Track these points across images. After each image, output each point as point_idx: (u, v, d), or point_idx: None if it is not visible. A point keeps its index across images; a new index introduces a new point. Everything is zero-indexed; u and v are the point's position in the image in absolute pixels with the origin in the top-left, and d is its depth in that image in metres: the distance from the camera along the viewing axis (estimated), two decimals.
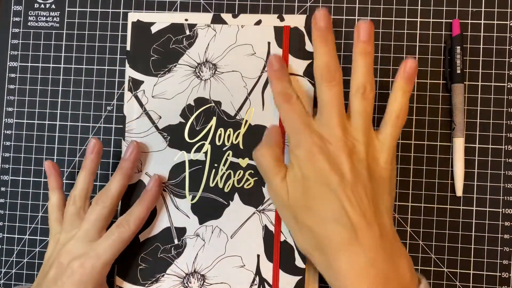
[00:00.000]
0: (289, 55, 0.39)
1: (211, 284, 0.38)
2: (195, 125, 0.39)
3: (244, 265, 0.38)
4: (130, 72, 0.39)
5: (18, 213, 0.44)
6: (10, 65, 0.44)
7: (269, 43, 0.39)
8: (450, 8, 0.42)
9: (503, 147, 0.41)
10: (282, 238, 0.38)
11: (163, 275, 0.38)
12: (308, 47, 0.39)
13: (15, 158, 0.44)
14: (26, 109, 0.44)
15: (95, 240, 0.36)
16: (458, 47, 0.41)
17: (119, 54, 0.43)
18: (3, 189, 0.44)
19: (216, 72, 0.39)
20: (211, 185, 0.38)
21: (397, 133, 0.34)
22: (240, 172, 0.38)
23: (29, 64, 0.44)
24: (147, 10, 0.43)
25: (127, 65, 0.40)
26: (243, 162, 0.38)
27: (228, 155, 0.39)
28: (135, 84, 0.39)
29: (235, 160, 0.38)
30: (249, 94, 0.39)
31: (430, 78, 0.42)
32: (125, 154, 0.38)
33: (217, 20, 0.40)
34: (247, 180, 0.38)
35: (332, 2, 0.42)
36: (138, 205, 0.37)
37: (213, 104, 0.39)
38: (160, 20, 0.40)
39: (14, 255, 0.43)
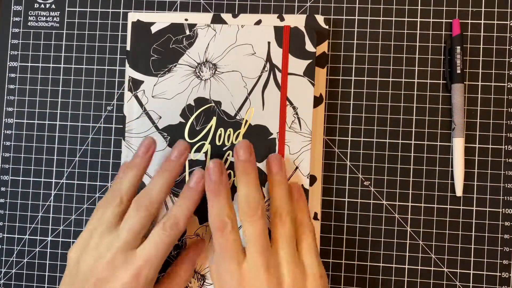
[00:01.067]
0: (289, 55, 0.39)
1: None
2: (195, 125, 0.39)
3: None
4: (130, 72, 0.39)
5: (18, 213, 0.44)
6: (10, 65, 0.44)
7: (269, 43, 0.39)
8: (450, 8, 0.42)
9: (503, 147, 0.41)
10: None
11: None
12: (308, 47, 0.39)
13: (15, 158, 0.44)
14: (26, 109, 0.44)
15: (136, 247, 0.33)
16: (458, 47, 0.41)
17: (119, 54, 0.44)
18: (3, 189, 0.44)
19: (216, 72, 0.39)
20: None
21: (313, 241, 0.35)
22: None
23: (29, 64, 0.44)
24: (147, 10, 0.43)
25: (127, 65, 0.40)
26: None
27: (228, 155, 0.39)
28: (135, 84, 0.39)
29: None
30: (249, 94, 0.39)
31: (430, 78, 0.42)
32: (172, 154, 0.36)
33: (217, 20, 0.40)
34: None
35: (332, 2, 0.42)
36: (183, 203, 0.35)
37: (213, 104, 0.39)
38: (160, 20, 0.40)
39: (14, 255, 0.43)
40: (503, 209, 0.41)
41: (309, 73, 0.39)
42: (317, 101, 0.40)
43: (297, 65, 0.39)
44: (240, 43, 0.39)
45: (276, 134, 0.39)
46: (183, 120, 0.39)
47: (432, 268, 0.41)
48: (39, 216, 0.43)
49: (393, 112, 0.42)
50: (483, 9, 0.42)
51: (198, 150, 0.39)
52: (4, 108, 0.44)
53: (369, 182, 0.41)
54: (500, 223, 0.41)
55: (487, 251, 0.41)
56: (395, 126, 0.42)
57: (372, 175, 0.41)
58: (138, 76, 0.39)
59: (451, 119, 0.41)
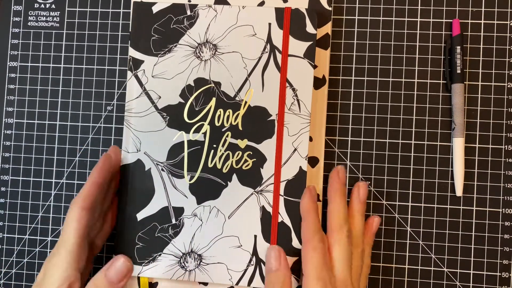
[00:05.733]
0: (289, 36, 0.39)
1: (208, 264, 0.38)
2: (194, 105, 0.39)
3: (241, 245, 0.38)
4: (131, 52, 0.39)
5: (18, 213, 0.44)
6: (10, 65, 0.44)
7: (270, 24, 0.39)
8: (450, 8, 0.42)
9: (503, 147, 0.41)
10: (280, 219, 0.38)
11: (160, 254, 0.38)
12: (309, 28, 0.38)
13: (15, 158, 0.44)
14: (26, 109, 0.44)
15: None
16: (458, 47, 0.41)
17: (119, 54, 0.43)
18: (3, 189, 0.44)
19: (217, 52, 0.39)
20: (210, 165, 0.38)
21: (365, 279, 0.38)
22: (238, 153, 0.38)
23: (29, 64, 0.44)
24: None
25: (129, 44, 0.40)
26: (242, 143, 0.38)
27: (227, 136, 0.38)
28: (136, 64, 0.39)
29: (234, 141, 0.38)
30: (249, 75, 0.39)
31: (430, 78, 0.42)
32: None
33: (220, 1, 0.40)
34: (246, 161, 0.38)
35: (333, 2, 0.42)
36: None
37: (213, 85, 0.39)
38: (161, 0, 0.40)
39: (14, 255, 0.43)
40: (503, 209, 0.41)
41: (309, 55, 0.38)
42: (320, 82, 0.40)
43: (298, 46, 0.38)
44: (240, 24, 0.39)
45: (275, 115, 0.38)
46: (182, 101, 0.39)
47: (432, 268, 0.41)
48: (39, 216, 0.43)
49: (393, 112, 0.42)
50: (483, 9, 0.42)
51: (197, 130, 0.39)
52: (4, 108, 0.44)
53: (369, 182, 0.41)
54: (500, 223, 0.41)
55: (487, 251, 0.41)
56: (395, 126, 0.42)
57: (372, 175, 0.41)
58: (138, 55, 0.39)
59: (451, 119, 0.41)
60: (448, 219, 0.41)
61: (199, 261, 0.38)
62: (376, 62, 0.42)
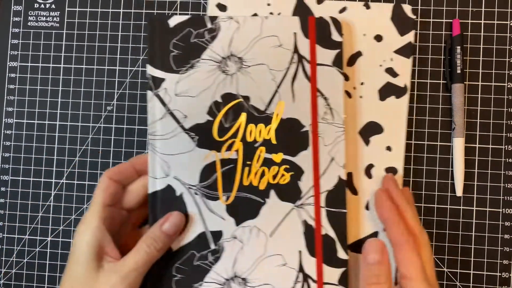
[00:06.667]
0: (316, 45, 0.38)
1: (254, 286, 0.36)
2: (224, 122, 0.37)
3: (286, 263, 0.36)
4: (149, 70, 0.37)
5: (18, 213, 0.44)
6: (10, 65, 0.44)
7: (295, 33, 0.38)
8: (450, 8, 0.42)
9: (503, 147, 0.41)
10: (323, 232, 0.37)
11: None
12: (335, 36, 0.38)
13: (15, 158, 0.44)
14: (26, 109, 0.44)
15: None
16: (458, 47, 0.41)
17: (119, 54, 0.43)
18: (3, 189, 0.44)
19: (242, 66, 0.38)
20: (245, 183, 0.37)
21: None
22: (274, 168, 0.37)
23: (29, 64, 0.44)
24: (147, 9, 0.43)
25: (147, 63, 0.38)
26: (277, 157, 0.37)
27: (261, 152, 0.37)
28: (156, 82, 0.37)
29: (268, 156, 0.37)
30: (278, 86, 0.37)
31: (430, 78, 0.42)
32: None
33: (301, 7, 0.40)
34: (283, 175, 0.37)
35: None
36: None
37: (242, 99, 0.37)
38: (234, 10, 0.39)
39: (14, 255, 0.43)
40: (503, 209, 0.41)
41: (337, 62, 0.37)
42: (401, 91, 0.39)
43: (325, 55, 0.38)
44: (265, 35, 0.38)
45: (309, 126, 0.37)
46: (210, 118, 0.37)
47: None
48: (39, 216, 0.43)
49: None
50: (483, 9, 0.42)
51: (229, 148, 0.37)
52: (4, 108, 0.44)
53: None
54: (500, 223, 0.41)
55: (487, 251, 0.41)
56: None
57: None
58: (158, 73, 0.37)
59: (451, 119, 0.41)
60: (448, 219, 0.41)
61: (244, 285, 0.36)
62: None
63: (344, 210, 0.37)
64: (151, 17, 0.39)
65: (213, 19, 0.38)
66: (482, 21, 0.42)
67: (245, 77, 0.37)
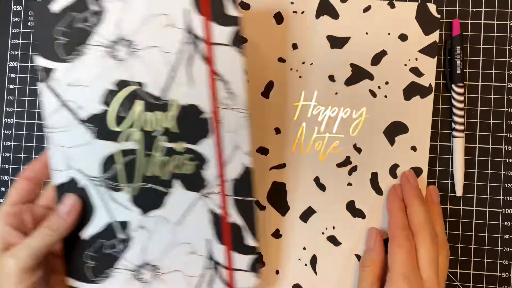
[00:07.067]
0: (211, 22, 0.34)
1: (164, 273, 0.37)
2: (120, 111, 0.35)
3: (196, 251, 0.37)
4: (38, 60, 0.35)
5: None
6: (10, 65, 0.44)
7: (186, 10, 0.34)
8: (450, 8, 0.42)
9: (503, 147, 0.41)
10: (231, 220, 0.36)
11: (112, 271, 0.37)
12: (230, 11, 0.34)
13: (15, 158, 0.44)
14: (26, 109, 0.44)
15: None
16: (458, 47, 0.41)
17: None
18: (3, 189, 0.44)
19: (133, 49, 0.35)
20: (148, 174, 0.36)
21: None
22: (177, 157, 0.36)
23: (29, 64, 0.44)
24: None
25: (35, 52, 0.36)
26: (180, 146, 0.35)
27: (161, 141, 0.35)
28: (46, 73, 0.35)
29: (169, 145, 0.35)
30: (174, 70, 0.35)
31: None
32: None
33: (325, 5, 0.40)
34: (186, 165, 0.36)
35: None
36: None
37: (136, 86, 0.35)
38: None
39: None
40: (503, 209, 0.41)
41: (236, 41, 0.34)
42: (426, 91, 0.40)
43: (222, 33, 0.34)
44: (154, 13, 0.34)
45: (209, 112, 0.35)
46: (106, 108, 0.35)
47: None
48: None
49: None
50: (483, 9, 0.42)
51: (128, 138, 0.35)
52: (4, 108, 0.44)
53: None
54: (500, 223, 0.41)
55: (487, 251, 0.41)
56: None
57: None
58: (47, 63, 0.35)
59: (451, 119, 0.41)
60: (448, 219, 0.41)
61: (154, 272, 0.37)
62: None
63: (252, 198, 0.36)
64: (29, 3, 0.36)
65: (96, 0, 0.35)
66: (482, 21, 0.42)
67: (137, 61, 0.35)
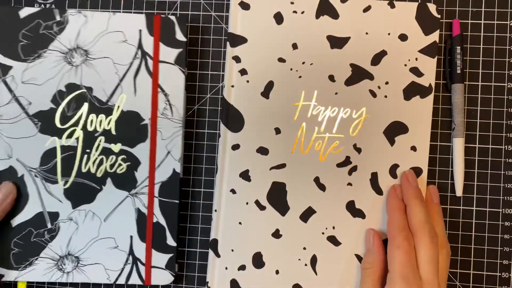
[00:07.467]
0: (160, 43, 0.40)
1: (85, 265, 0.39)
2: (66, 111, 0.39)
3: (118, 246, 0.39)
4: None
5: None
6: None
7: (140, 30, 0.40)
8: (450, 8, 0.42)
9: (503, 147, 0.41)
10: (155, 220, 0.40)
11: (36, 258, 0.39)
12: (179, 36, 0.40)
13: None
14: None
15: None
16: (458, 47, 0.41)
17: None
18: None
19: (88, 58, 0.40)
20: (84, 170, 0.39)
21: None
22: (112, 158, 0.39)
23: None
24: (147, 10, 0.43)
25: None
26: (116, 147, 0.39)
27: (100, 141, 0.39)
28: (4, 69, 0.39)
29: (107, 145, 0.39)
30: (121, 80, 0.40)
31: None
32: None
33: (325, 4, 0.40)
34: (120, 165, 0.40)
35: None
36: None
37: (85, 90, 0.39)
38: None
39: None
40: (503, 209, 0.41)
41: (180, 61, 0.40)
42: (426, 91, 0.40)
43: (168, 53, 0.40)
44: (111, 30, 0.40)
45: (148, 120, 0.40)
46: (54, 106, 0.39)
47: None
48: None
49: None
50: (483, 9, 0.42)
51: (70, 135, 0.39)
52: None
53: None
54: (500, 223, 0.41)
55: (487, 251, 0.41)
56: None
57: None
58: (6, 61, 0.39)
59: (451, 119, 0.41)
60: (448, 219, 0.41)
61: (76, 263, 0.39)
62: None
63: (176, 201, 0.40)
64: (0, 7, 0.40)
65: (62, 12, 0.40)
66: (482, 21, 0.42)
67: (89, 69, 0.40)
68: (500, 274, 0.40)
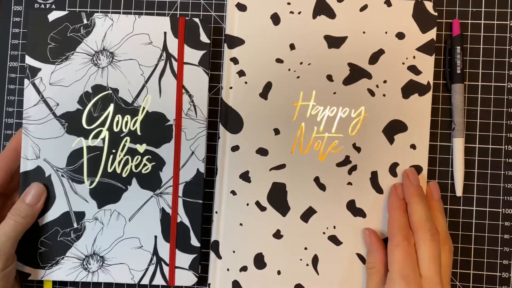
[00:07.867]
0: (184, 45, 0.40)
1: (110, 265, 0.40)
2: (92, 112, 0.40)
3: (142, 246, 0.40)
4: (28, 60, 0.40)
5: None
6: (10, 65, 0.44)
7: (165, 33, 0.40)
8: (450, 8, 0.42)
9: (503, 147, 0.41)
10: (179, 220, 0.40)
11: (62, 258, 0.40)
12: (203, 38, 0.40)
13: None
14: None
15: None
16: (458, 47, 0.41)
17: None
18: None
19: (114, 60, 0.40)
20: (109, 170, 0.40)
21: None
22: (137, 158, 0.40)
23: None
24: (147, 10, 0.43)
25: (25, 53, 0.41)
26: (141, 148, 0.40)
27: (126, 141, 0.40)
28: (33, 72, 0.40)
29: (132, 146, 0.40)
30: (146, 82, 0.40)
31: None
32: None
33: (322, 4, 0.40)
34: (145, 165, 0.40)
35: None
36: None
37: (111, 91, 0.40)
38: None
39: None
40: (503, 209, 0.41)
41: (204, 63, 0.40)
42: (424, 89, 0.40)
43: (193, 55, 0.40)
44: (136, 32, 0.40)
45: (173, 120, 0.40)
46: (80, 107, 0.40)
47: None
48: None
49: None
50: (483, 9, 0.42)
51: (96, 136, 0.40)
52: (4, 108, 0.44)
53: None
54: (500, 223, 0.41)
55: (487, 251, 0.41)
56: None
57: None
58: (35, 63, 0.40)
59: (451, 119, 0.41)
60: (448, 219, 0.41)
61: (101, 263, 0.40)
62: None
63: (200, 201, 0.40)
64: (31, 11, 0.41)
65: (89, 15, 0.40)
66: (482, 21, 0.42)
67: (115, 70, 0.40)
68: (500, 274, 0.40)
